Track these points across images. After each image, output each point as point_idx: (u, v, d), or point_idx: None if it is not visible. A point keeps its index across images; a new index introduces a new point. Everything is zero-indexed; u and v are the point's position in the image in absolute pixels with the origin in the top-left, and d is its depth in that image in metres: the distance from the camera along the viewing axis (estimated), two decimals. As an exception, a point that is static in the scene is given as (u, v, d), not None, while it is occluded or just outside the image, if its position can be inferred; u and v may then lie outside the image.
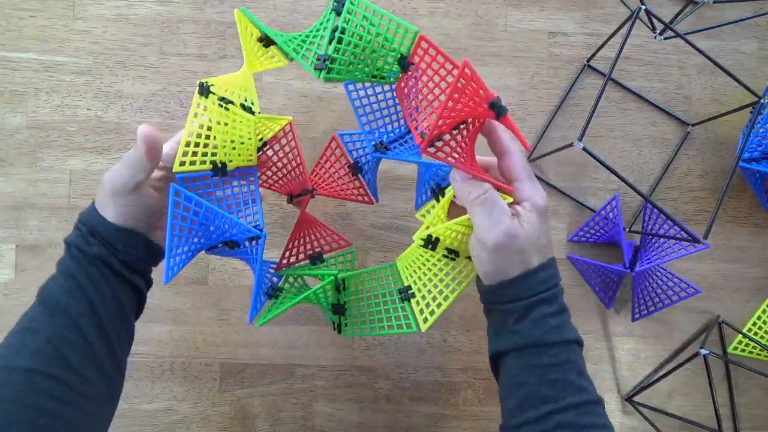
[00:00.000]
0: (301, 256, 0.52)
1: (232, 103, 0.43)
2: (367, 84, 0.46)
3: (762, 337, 0.63)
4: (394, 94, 0.47)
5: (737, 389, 0.64)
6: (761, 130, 0.58)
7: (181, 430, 0.62)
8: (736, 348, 0.63)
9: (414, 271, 0.47)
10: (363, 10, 0.41)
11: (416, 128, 0.43)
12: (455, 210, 0.47)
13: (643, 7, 0.49)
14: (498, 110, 0.38)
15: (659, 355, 0.64)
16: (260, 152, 0.49)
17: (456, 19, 0.64)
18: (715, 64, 0.50)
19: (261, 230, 0.44)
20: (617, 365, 0.64)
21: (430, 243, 0.43)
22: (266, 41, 0.44)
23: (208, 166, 0.43)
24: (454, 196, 0.45)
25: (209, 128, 0.43)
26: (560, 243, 0.64)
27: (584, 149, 0.45)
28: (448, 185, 0.47)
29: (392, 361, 0.63)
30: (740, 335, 0.62)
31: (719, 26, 0.62)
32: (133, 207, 0.42)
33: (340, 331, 0.51)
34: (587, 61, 0.64)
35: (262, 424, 0.62)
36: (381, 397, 0.63)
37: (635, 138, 0.65)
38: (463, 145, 0.41)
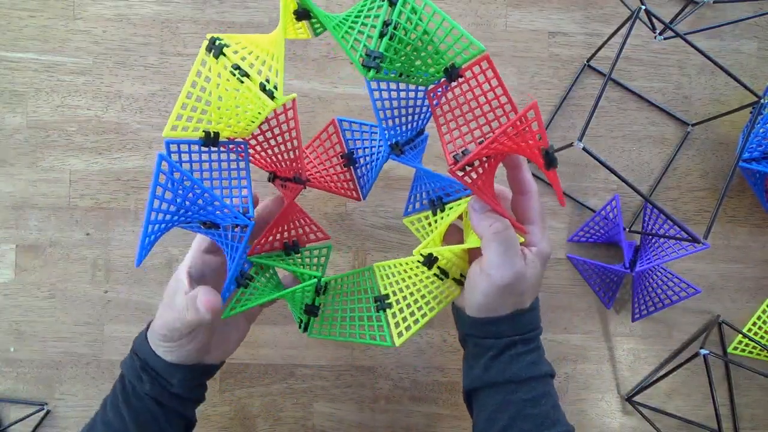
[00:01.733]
0: (277, 244, 0.48)
1: (248, 76, 0.37)
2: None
3: (762, 337, 0.63)
4: (417, 95, 0.43)
5: (737, 389, 0.64)
6: (761, 130, 0.58)
7: (181, 430, 0.62)
8: (736, 348, 0.63)
9: (397, 281, 0.45)
10: (421, 8, 0.37)
11: (447, 143, 0.41)
12: (449, 232, 0.47)
13: (643, 7, 0.49)
14: (551, 161, 0.35)
15: (659, 355, 0.64)
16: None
17: (456, 19, 0.64)
18: (715, 64, 0.50)
19: (250, 218, 0.40)
20: (617, 365, 0.64)
21: (429, 262, 0.42)
22: (300, 16, 0.41)
23: (200, 133, 0.39)
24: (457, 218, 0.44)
25: (210, 93, 0.37)
26: (560, 243, 0.64)
27: (584, 149, 0.45)
28: (450, 201, 0.46)
29: (392, 361, 0.63)
30: (740, 335, 0.62)
31: (719, 26, 0.62)
32: (185, 348, 0.42)
33: (305, 330, 0.48)
34: (587, 61, 0.64)
35: (262, 424, 0.62)
36: (381, 397, 0.63)
37: (635, 138, 0.65)
38: (488, 173, 0.39)
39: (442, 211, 0.46)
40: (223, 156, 0.41)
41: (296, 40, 0.63)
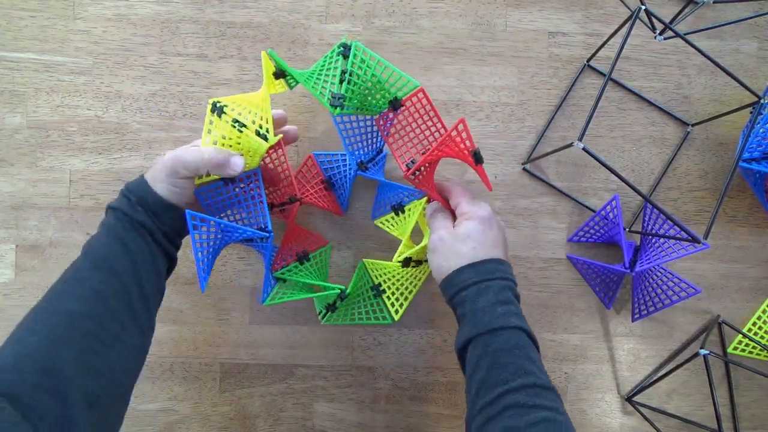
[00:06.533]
0: (292, 258, 0.58)
1: (245, 126, 0.48)
2: (353, 115, 0.54)
3: (762, 337, 0.63)
4: (372, 124, 0.55)
5: (737, 389, 0.64)
6: (761, 130, 0.57)
7: (181, 430, 0.62)
8: (736, 348, 0.63)
9: (382, 273, 0.56)
10: (367, 59, 0.49)
11: (399, 156, 0.54)
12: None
13: (643, 7, 0.49)
14: (477, 158, 0.49)
15: (659, 355, 0.64)
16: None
17: (456, 19, 0.64)
18: (715, 64, 0.50)
19: (269, 231, 0.51)
20: (617, 365, 0.64)
21: (407, 262, 0.55)
22: (278, 75, 0.53)
23: (218, 176, 0.49)
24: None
25: (223, 145, 0.48)
26: (560, 243, 0.64)
27: (584, 149, 0.45)
28: (409, 204, 0.58)
29: (392, 361, 0.63)
30: (740, 335, 0.62)
31: (719, 26, 0.62)
32: (184, 189, 0.48)
33: (323, 318, 0.57)
34: (587, 61, 0.64)
35: (262, 424, 0.62)
36: (381, 397, 0.63)
37: (635, 138, 0.65)
38: (429, 174, 0.52)
39: (402, 212, 0.58)
40: (242, 185, 0.52)
41: (297, 40, 0.63)
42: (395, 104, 0.52)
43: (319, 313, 0.57)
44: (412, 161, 0.54)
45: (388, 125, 0.54)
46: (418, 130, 0.54)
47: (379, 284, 0.57)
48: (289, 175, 0.56)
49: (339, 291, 0.55)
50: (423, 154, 0.54)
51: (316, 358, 0.63)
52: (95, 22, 0.63)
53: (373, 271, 0.57)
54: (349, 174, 0.59)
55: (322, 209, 0.61)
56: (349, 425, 0.63)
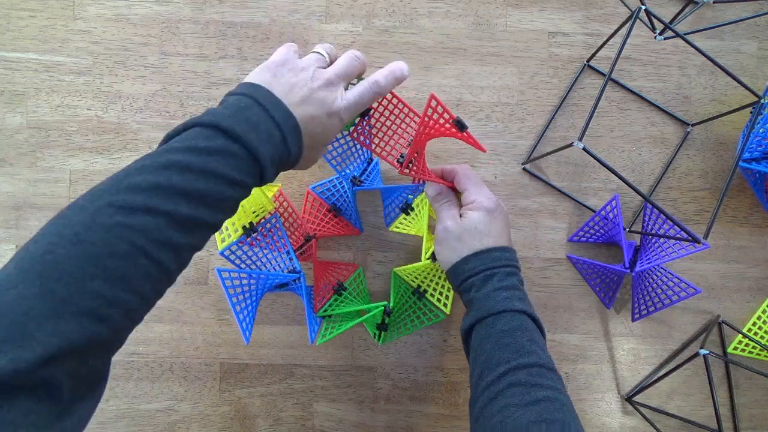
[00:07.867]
0: (329, 293, 0.59)
1: None
2: None
3: (762, 337, 0.63)
4: (348, 139, 0.56)
5: (737, 389, 0.64)
6: (761, 130, 0.58)
7: (181, 430, 0.62)
8: (736, 348, 0.63)
9: (417, 275, 0.57)
10: None
11: (387, 156, 0.53)
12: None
13: (643, 7, 0.49)
14: (461, 126, 0.48)
15: (659, 355, 0.64)
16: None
17: (456, 19, 0.64)
18: (715, 64, 0.50)
19: (299, 272, 0.54)
20: (617, 365, 0.64)
21: (434, 257, 0.54)
22: None
23: (240, 232, 0.53)
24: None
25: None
26: (560, 243, 0.64)
27: (584, 149, 0.45)
28: (415, 200, 0.59)
29: (392, 361, 0.63)
30: (740, 335, 0.62)
31: (719, 26, 0.62)
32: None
33: (379, 339, 0.58)
34: (587, 61, 0.64)
35: (262, 424, 0.62)
36: (381, 397, 0.63)
37: (635, 138, 0.65)
38: (420, 162, 0.52)
39: (412, 210, 0.60)
40: (265, 231, 0.55)
41: (297, 40, 0.63)
42: (363, 113, 0.51)
43: (374, 336, 0.58)
44: (402, 156, 0.54)
45: (365, 133, 0.53)
46: (394, 126, 0.53)
47: (418, 286, 0.58)
48: (297, 217, 0.58)
49: (382, 307, 0.55)
50: (408, 146, 0.53)
51: (316, 358, 0.63)
52: (95, 22, 0.63)
53: (407, 277, 0.58)
54: (349, 192, 0.60)
55: (340, 235, 0.62)
56: (349, 425, 0.63)
